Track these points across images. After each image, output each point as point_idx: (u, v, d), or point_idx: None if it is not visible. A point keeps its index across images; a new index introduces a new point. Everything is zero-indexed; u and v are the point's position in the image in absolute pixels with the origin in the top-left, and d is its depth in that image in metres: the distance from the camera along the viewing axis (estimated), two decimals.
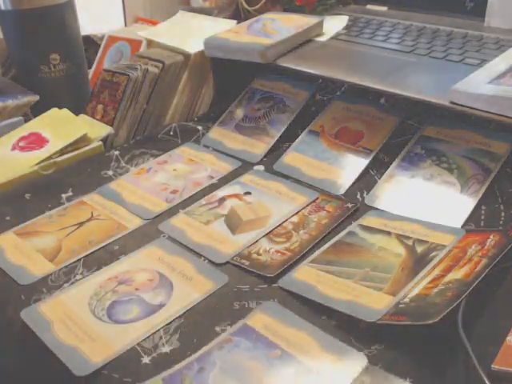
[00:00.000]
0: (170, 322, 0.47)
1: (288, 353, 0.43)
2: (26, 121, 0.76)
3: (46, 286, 0.52)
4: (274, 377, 0.41)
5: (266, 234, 0.57)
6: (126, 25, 1.07)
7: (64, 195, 0.66)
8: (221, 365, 0.42)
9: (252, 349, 0.43)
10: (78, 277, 0.53)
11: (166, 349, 0.44)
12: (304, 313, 0.47)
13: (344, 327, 0.45)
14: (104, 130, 0.75)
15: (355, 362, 0.41)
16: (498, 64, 0.64)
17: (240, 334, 0.45)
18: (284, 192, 0.64)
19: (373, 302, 0.46)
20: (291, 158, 0.70)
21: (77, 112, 0.78)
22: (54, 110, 0.77)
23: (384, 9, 0.96)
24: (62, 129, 0.74)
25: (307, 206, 0.61)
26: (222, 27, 0.87)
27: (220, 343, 0.44)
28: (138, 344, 0.45)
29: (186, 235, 0.58)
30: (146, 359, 0.43)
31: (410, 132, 0.69)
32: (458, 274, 0.47)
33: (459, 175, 0.61)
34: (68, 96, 0.83)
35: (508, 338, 0.42)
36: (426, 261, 0.50)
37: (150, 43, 0.90)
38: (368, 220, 0.58)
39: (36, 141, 0.72)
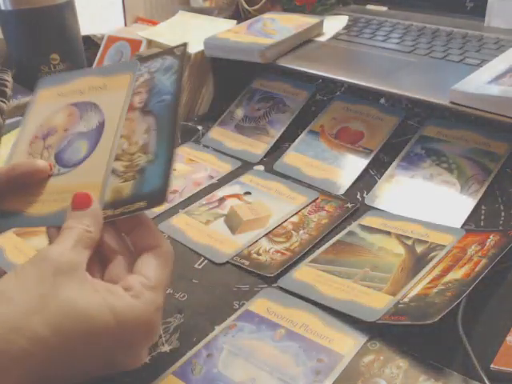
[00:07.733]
0: (170, 322, 0.47)
1: (292, 331, 0.44)
2: None
3: None
4: (282, 353, 0.42)
5: (266, 234, 0.57)
6: (126, 25, 1.07)
7: None
8: (228, 348, 0.43)
9: (256, 331, 0.45)
10: None
11: (165, 348, 0.44)
12: None
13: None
14: None
15: (359, 335, 0.44)
16: (498, 64, 0.64)
17: (243, 319, 0.46)
18: (284, 192, 0.64)
19: (372, 301, 0.46)
20: (291, 158, 0.70)
21: None
22: None
23: (384, 9, 0.96)
24: None
25: (307, 205, 0.61)
26: (222, 27, 0.87)
27: (224, 330, 0.45)
28: None
29: (186, 235, 0.58)
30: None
31: (410, 132, 0.69)
32: (457, 274, 0.47)
33: (459, 175, 0.61)
34: None
35: (508, 338, 0.42)
36: (425, 261, 0.51)
37: (150, 43, 0.90)
38: (368, 220, 0.58)
39: None
